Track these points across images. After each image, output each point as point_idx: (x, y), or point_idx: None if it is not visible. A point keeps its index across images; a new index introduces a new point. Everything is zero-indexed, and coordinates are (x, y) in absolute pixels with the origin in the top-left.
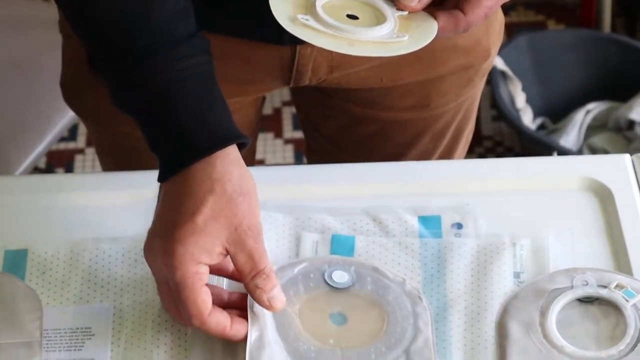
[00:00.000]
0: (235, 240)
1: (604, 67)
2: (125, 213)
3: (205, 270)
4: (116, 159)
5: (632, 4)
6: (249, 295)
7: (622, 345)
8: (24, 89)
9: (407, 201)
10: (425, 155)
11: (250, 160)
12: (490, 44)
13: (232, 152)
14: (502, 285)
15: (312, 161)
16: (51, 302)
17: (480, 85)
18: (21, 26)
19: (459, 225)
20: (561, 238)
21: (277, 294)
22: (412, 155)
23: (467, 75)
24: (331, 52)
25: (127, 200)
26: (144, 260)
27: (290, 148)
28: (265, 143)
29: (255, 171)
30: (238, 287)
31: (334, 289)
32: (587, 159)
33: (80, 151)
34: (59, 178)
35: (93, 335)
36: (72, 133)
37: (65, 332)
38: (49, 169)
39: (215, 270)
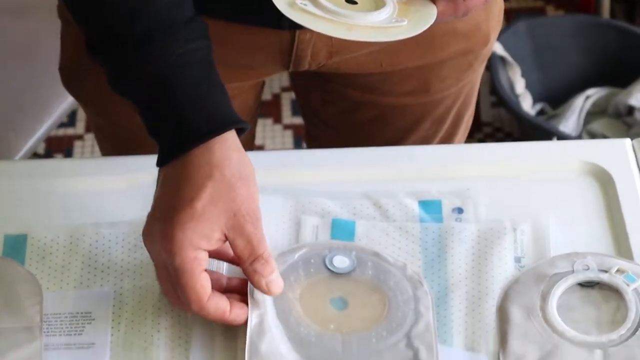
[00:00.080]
0: (234, 226)
1: (603, 52)
2: (124, 198)
3: (204, 255)
4: (115, 144)
5: None
6: (249, 281)
7: (622, 330)
8: (23, 73)
9: (407, 186)
10: (425, 141)
11: (250, 145)
12: (489, 29)
13: (230, 138)
14: (503, 270)
15: (311, 147)
16: (51, 287)
17: (480, 71)
18: (20, 11)
19: (460, 210)
20: (562, 223)
21: (275, 278)
22: (412, 141)
23: (467, 60)
24: (330, 37)
25: (126, 185)
26: (143, 244)
27: (289, 134)
28: (265, 129)
29: (254, 156)
30: (238, 271)
31: (335, 274)
32: (588, 144)
33: (79, 137)
34: (58, 163)
35: (93, 319)
36: (71, 119)
37: (66, 317)
38: (47, 155)
39: (215, 255)
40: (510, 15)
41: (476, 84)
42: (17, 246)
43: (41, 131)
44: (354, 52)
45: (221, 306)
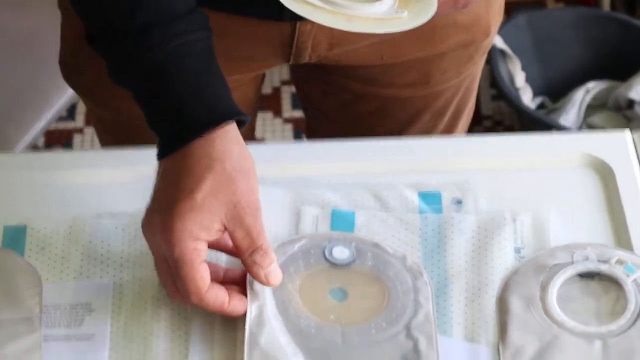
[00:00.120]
0: (234, 217)
1: (603, 45)
2: (123, 190)
3: (203, 246)
4: (115, 136)
5: None
6: (248, 272)
7: (622, 321)
8: (23, 67)
9: (407, 177)
10: (426, 133)
11: (250, 139)
12: (490, 21)
13: (231, 130)
14: (502, 261)
15: (312, 139)
16: (51, 278)
17: (480, 63)
18: (20, 4)
19: (459, 202)
20: (562, 214)
21: (274, 269)
22: (412, 133)
23: (468, 52)
24: (331, 28)
25: (126, 177)
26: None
27: (289, 127)
28: (265, 122)
29: (254, 148)
30: (236, 262)
31: (335, 265)
32: (588, 136)
33: (79, 131)
34: (58, 155)
35: (93, 310)
36: (70, 112)
37: (65, 308)
38: (47, 149)
39: (214, 245)
40: (511, 8)
41: (476, 77)
42: (16, 237)
43: (41, 124)
44: (354, 43)
45: (220, 297)
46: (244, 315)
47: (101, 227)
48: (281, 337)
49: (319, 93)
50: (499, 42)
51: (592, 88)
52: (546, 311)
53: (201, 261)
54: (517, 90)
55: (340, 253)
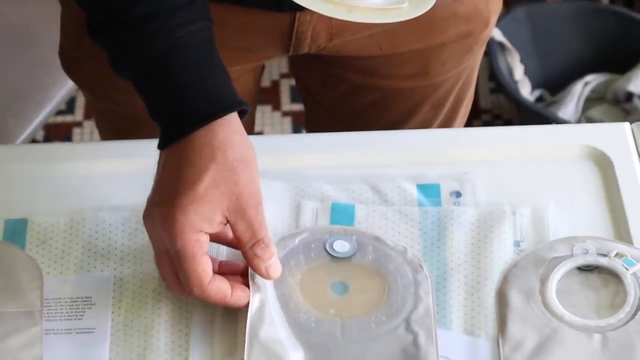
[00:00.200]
0: (236, 209)
1: (602, 38)
2: (124, 182)
3: (205, 238)
4: (115, 129)
5: None
6: (248, 265)
7: (621, 314)
8: (22, 59)
9: (406, 170)
10: (425, 125)
11: (249, 131)
12: (489, 12)
13: (233, 120)
14: (502, 254)
15: (311, 132)
16: (51, 272)
17: (479, 54)
18: None
19: (458, 194)
20: (561, 206)
21: (274, 262)
22: (412, 125)
23: (467, 43)
24: (330, 19)
25: (126, 169)
26: (144, 229)
27: (288, 120)
28: (264, 115)
29: (254, 140)
30: (237, 255)
31: (335, 258)
32: (587, 128)
33: (78, 124)
34: (58, 147)
35: (93, 304)
36: (69, 106)
37: (66, 302)
38: (46, 142)
39: (214, 238)
40: (510, 1)
41: (475, 68)
42: (17, 231)
43: (40, 117)
44: (354, 34)
45: (222, 289)
46: (246, 307)
47: (102, 220)
48: (281, 330)
49: (318, 84)
50: (497, 35)
51: (591, 81)
52: (545, 304)
53: (203, 253)
54: (515, 83)
55: (341, 246)
